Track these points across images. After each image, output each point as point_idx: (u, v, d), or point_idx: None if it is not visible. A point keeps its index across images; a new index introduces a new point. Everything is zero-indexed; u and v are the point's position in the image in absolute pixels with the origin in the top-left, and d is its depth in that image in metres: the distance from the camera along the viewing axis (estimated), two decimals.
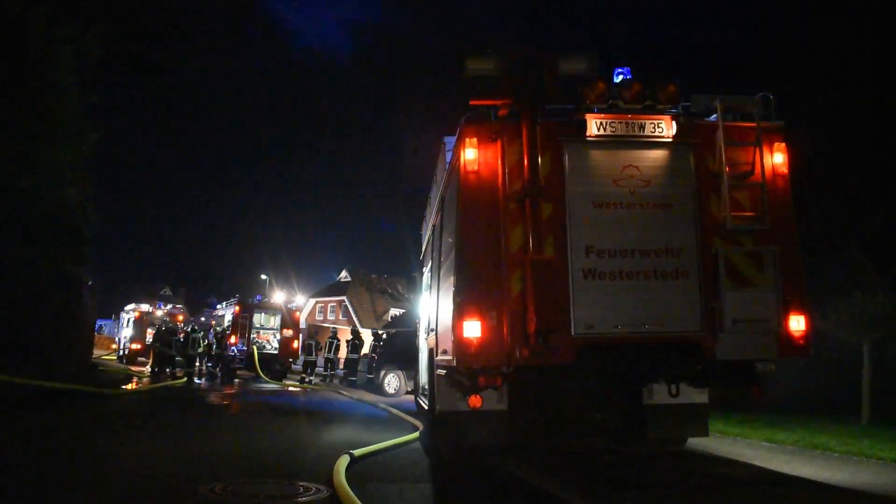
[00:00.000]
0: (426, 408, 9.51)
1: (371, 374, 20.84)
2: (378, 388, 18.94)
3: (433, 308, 8.74)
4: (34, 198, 14.65)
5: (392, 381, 18.71)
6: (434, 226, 9.52)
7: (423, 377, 10.90)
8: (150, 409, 12.87)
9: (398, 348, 19.02)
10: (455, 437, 7.40)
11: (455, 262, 6.57)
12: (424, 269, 12.03)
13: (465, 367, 6.34)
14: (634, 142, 6.79)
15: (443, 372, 7.32)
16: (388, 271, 61.56)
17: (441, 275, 8.03)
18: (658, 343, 6.43)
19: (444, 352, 6.97)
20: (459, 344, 6.20)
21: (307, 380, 22.66)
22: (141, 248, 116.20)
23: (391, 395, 18.30)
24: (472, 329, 6.19)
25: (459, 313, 6.26)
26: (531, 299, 6.13)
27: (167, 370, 23.10)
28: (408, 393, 17.94)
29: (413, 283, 14.65)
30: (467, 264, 6.42)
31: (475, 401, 6.66)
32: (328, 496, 5.71)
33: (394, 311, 54.36)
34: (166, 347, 23.48)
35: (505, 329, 6.21)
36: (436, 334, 8.07)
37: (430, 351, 8.79)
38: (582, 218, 6.57)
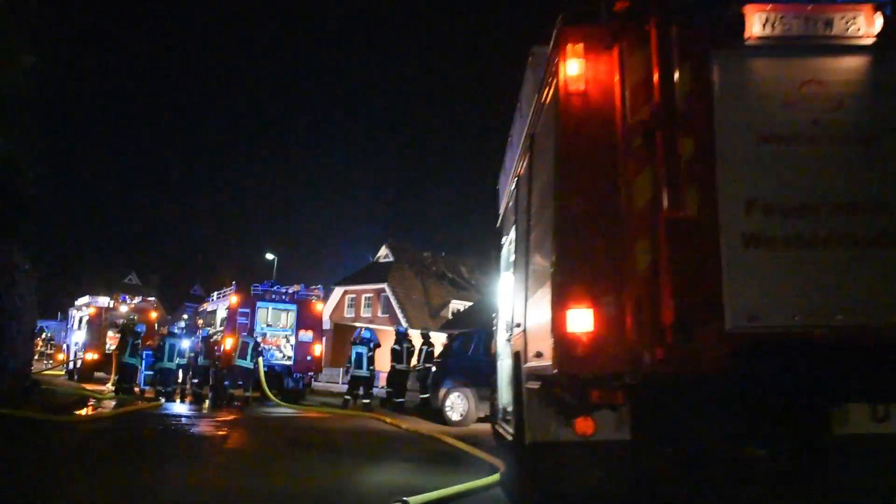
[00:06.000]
0: (510, 438, 9.64)
1: (426, 393, 21.00)
2: (437, 414, 19.18)
3: (519, 295, 8.84)
4: None
5: (457, 404, 18.92)
6: (519, 178, 9.61)
7: (505, 395, 10.98)
8: (116, 443, 13.36)
9: (465, 355, 19.19)
10: (554, 480, 7.48)
11: (553, 226, 6.65)
12: (504, 240, 12.09)
13: (571, 377, 6.43)
14: (818, 46, 6.70)
15: (536, 385, 7.41)
16: (448, 248, 61.99)
17: (530, 246, 8.12)
18: (857, 342, 6.38)
19: (538, 355, 7.07)
20: (562, 343, 6.29)
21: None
22: (97, 221, 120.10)
23: (456, 423, 18.52)
24: (581, 320, 6.27)
25: (561, 299, 6.35)
26: (666, 277, 6.17)
27: (131, 386, 23.96)
28: (481, 420, 18.12)
29: (485, 263, 14.73)
30: (571, 228, 6.49)
31: (584, 425, 6.72)
32: None
33: (456, 304, 54.77)
34: (129, 355, 24.28)
35: (628, 320, 6.27)
36: (524, 332, 8.19)
37: (516, 355, 8.92)
38: (740, 159, 6.55)
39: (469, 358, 18.98)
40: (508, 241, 11.35)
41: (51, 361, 41.60)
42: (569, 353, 6.27)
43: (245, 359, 22.75)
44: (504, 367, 11.40)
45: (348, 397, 22.93)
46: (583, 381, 6.44)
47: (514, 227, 10.15)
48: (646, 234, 6.36)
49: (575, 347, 6.26)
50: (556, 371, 6.39)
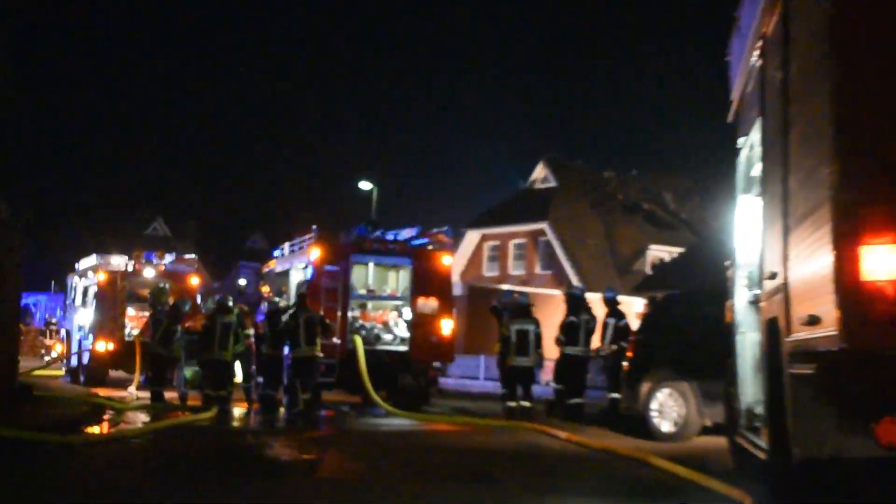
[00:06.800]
0: (762, 455, 9.67)
1: (617, 391, 20.99)
2: (636, 423, 19.17)
3: (773, 228, 8.82)
4: None
5: (668, 406, 18.83)
6: (765, 41, 9.50)
7: (751, 389, 10.98)
8: (147, 474, 13.80)
9: (678, 330, 19.06)
10: None
11: (832, 111, 6.55)
12: (741, 143, 11.96)
13: (869, 353, 6.38)
14: None
15: (807, 369, 7.36)
16: (641, 164, 61.57)
17: (790, 149, 8.06)
18: None
19: (811, 321, 7.02)
20: (854, 299, 6.25)
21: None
22: (104, 145, 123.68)
23: (667, 436, 18.47)
24: (884, 262, 6.21)
25: (851, 228, 6.30)
26: None
27: (160, 389, 24.80)
28: (707, 430, 18.01)
29: (704, 184, 14.56)
30: (863, 114, 6.42)
31: (893, 432, 6.61)
32: None
33: (658, 251, 54.37)
34: (162, 342, 25.09)
35: None
36: (784, 286, 8.16)
37: (771, 325, 8.90)
38: None
39: (685, 334, 18.87)
40: (748, 143, 11.22)
41: (47, 356, 42.70)
42: (865, 315, 6.22)
43: (313, 345, 22.97)
44: (748, 344, 11.33)
45: (512, 403, 22.75)
46: (888, 360, 6.38)
47: (758, 121, 10.04)
48: None
49: (875, 306, 6.20)
50: (843, 345, 6.34)
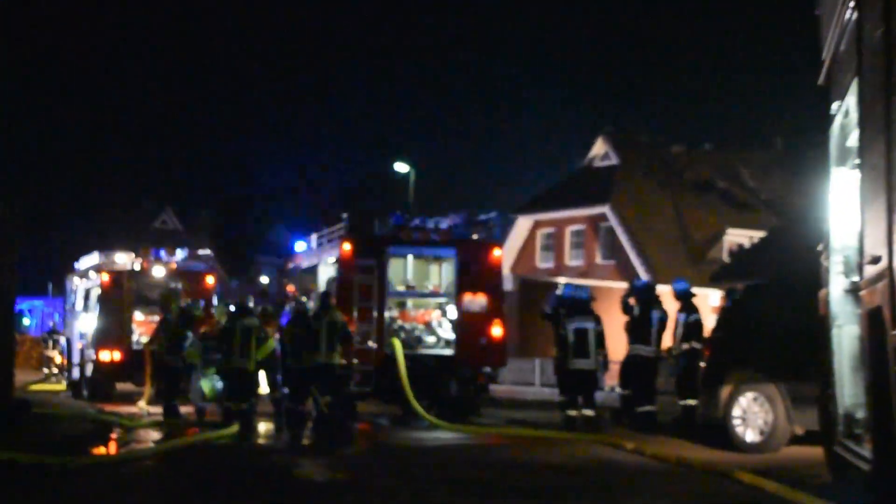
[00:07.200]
0: (865, 465, 9.65)
1: (691, 396, 20.92)
2: (716, 433, 19.07)
3: (873, 206, 8.78)
4: None
5: (753, 412, 18.70)
6: None
7: (849, 390, 10.95)
8: (161, 502, 13.84)
9: (762, 326, 18.94)
10: None
11: None
12: (835, 108, 11.89)
13: None
14: None
15: None
16: (714, 136, 61.36)
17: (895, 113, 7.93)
18: None
19: None
20: None
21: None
22: (105, 126, 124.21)
23: (752, 446, 18.36)
24: None
25: None
26: None
27: (174, 403, 24.75)
28: (798, 439, 17.89)
29: (791, 157, 14.50)
30: None
31: None
32: None
33: (735, 236, 54.15)
34: (172, 350, 25.11)
35: None
36: (890, 273, 8.10)
37: (872, 317, 8.86)
38: None
39: (770, 329, 18.77)
40: (843, 109, 11.14)
41: (48, 368, 42.68)
42: None
43: (333, 350, 22.97)
44: (845, 338, 11.28)
45: (572, 412, 22.53)
46: None
47: (855, 83, 9.97)
48: None
49: None
50: None
